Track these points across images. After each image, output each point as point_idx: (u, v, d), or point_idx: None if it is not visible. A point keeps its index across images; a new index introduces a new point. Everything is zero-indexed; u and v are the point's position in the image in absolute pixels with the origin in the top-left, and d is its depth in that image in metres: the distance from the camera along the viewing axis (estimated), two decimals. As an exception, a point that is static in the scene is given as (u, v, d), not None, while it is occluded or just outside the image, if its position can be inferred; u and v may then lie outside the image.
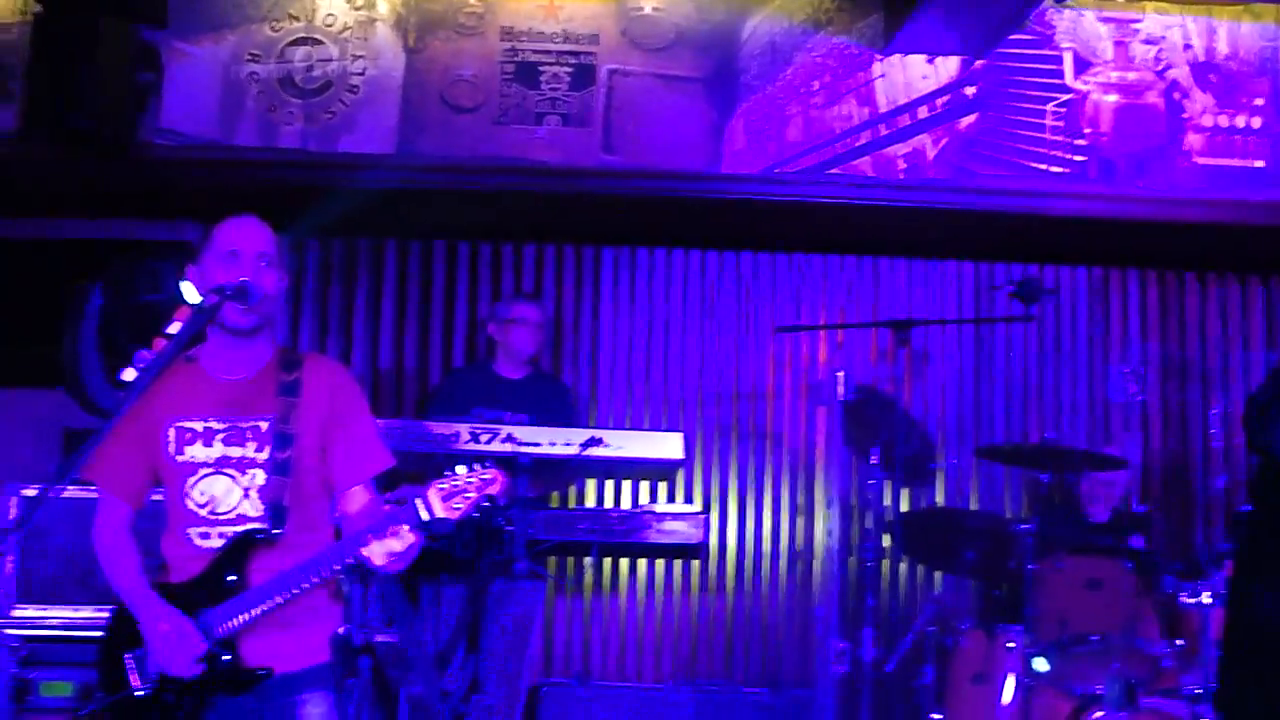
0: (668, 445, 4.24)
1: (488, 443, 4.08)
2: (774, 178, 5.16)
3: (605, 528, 4.27)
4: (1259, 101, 5.27)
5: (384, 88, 5.11)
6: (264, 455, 2.78)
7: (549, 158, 5.06)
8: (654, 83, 5.16)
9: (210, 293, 2.72)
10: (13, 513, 3.91)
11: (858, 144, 5.21)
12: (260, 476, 2.78)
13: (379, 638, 4.20)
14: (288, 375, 2.85)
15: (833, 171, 5.19)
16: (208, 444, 2.80)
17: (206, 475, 2.79)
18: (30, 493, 3.94)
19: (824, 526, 5.77)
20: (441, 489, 2.56)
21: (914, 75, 5.25)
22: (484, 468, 2.59)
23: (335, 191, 5.02)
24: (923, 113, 5.24)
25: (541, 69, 5.16)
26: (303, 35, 5.13)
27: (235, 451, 2.80)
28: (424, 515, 2.55)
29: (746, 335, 5.88)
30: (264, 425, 2.80)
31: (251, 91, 5.10)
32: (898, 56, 5.21)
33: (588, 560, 5.47)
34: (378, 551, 2.57)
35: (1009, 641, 4.36)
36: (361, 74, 5.12)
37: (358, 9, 5.15)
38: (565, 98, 5.13)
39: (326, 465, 2.85)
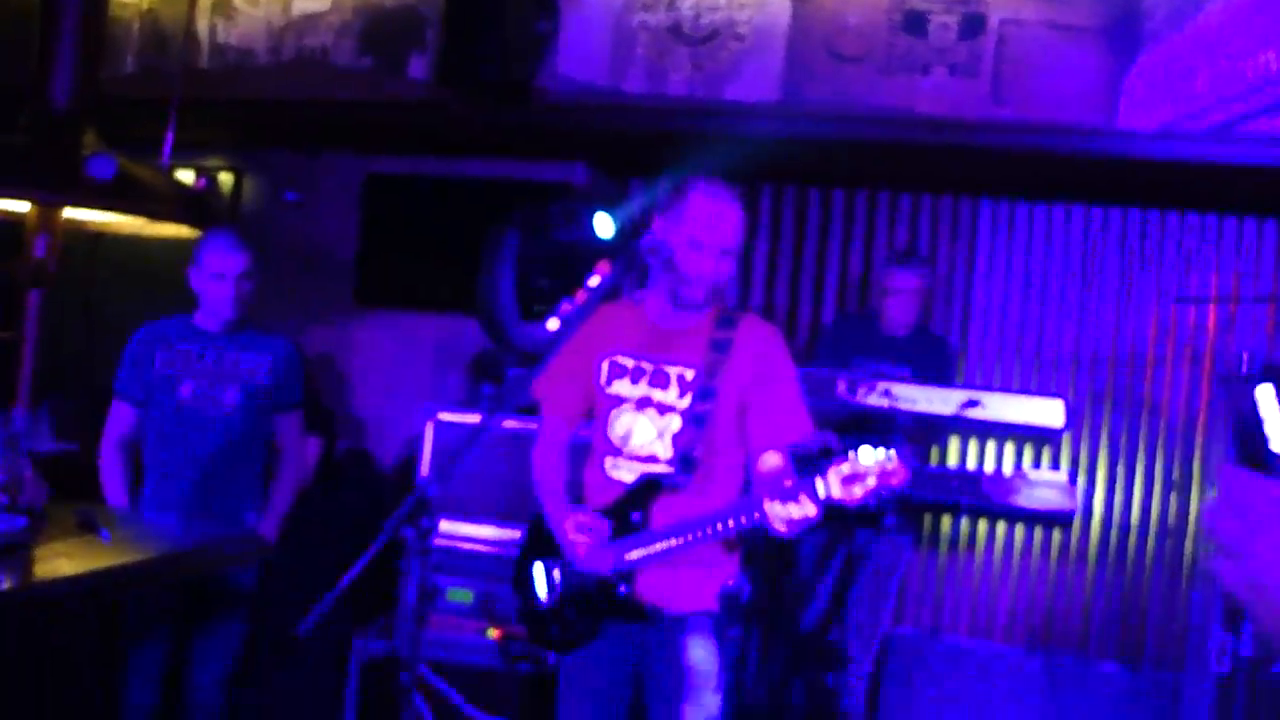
0: (1048, 412, 4.10)
1: (864, 396, 4.08)
2: (1177, 134, 4.81)
3: (976, 489, 4.18)
4: None
5: (770, 36, 5.11)
6: (684, 403, 2.85)
7: (935, 109, 4.93)
8: (1048, 32, 4.91)
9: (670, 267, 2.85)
10: (429, 434, 4.24)
11: (1278, 97, 4.79)
12: (676, 422, 2.84)
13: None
14: (721, 332, 2.89)
15: (1245, 128, 4.80)
16: (635, 381, 2.90)
17: (628, 410, 2.90)
18: (446, 417, 4.24)
19: (1202, 505, 5.45)
20: (842, 471, 2.47)
21: (1348, 19, 4.76)
22: (888, 456, 2.45)
23: (720, 138, 5.12)
24: (1356, 62, 4.75)
25: (929, 18, 5.02)
26: (691, -16, 5.23)
27: (658, 394, 2.88)
28: (820, 493, 2.49)
29: (1129, 297, 5.59)
30: (689, 375, 2.86)
31: (641, 39, 5.21)
32: (1332, -3, 4.74)
33: (945, 519, 5.43)
34: (775, 516, 2.53)
35: None
36: (748, 22, 5.15)
37: (746, -43, 5.19)
38: (953, 48, 4.97)
39: (744, 425, 2.86)
